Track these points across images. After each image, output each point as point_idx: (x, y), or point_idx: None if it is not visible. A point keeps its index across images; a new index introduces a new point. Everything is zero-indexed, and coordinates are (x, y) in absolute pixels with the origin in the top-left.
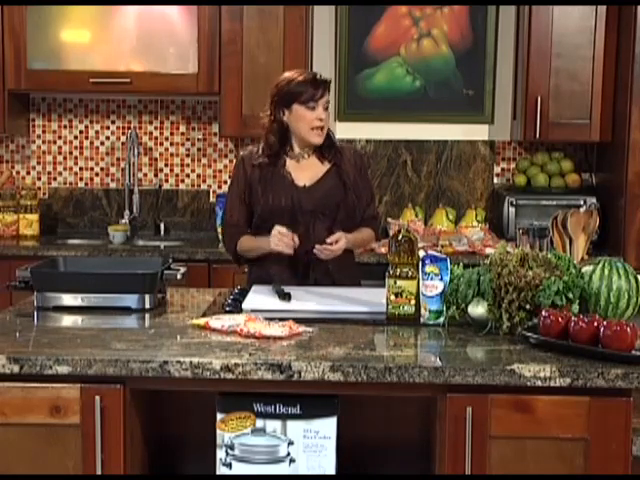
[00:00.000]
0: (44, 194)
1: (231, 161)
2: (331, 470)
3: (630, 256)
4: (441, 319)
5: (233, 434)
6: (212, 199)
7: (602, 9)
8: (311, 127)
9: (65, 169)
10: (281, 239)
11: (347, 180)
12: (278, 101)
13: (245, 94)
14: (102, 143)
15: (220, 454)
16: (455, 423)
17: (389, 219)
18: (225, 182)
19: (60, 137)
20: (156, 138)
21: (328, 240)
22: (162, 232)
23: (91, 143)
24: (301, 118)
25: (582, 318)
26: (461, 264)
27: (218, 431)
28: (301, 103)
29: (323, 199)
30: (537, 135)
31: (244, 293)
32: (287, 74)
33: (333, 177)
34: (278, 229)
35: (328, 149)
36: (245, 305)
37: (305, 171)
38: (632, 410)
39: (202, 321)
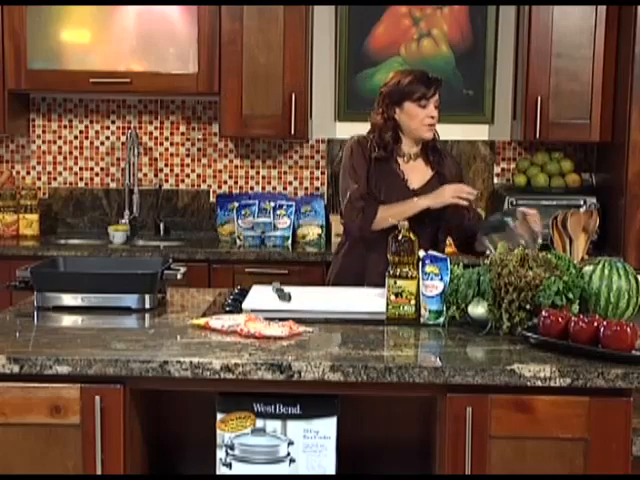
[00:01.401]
0: (44, 194)
1: (231, 161)
2: (331, 470)
3: (630, 256)
4: (441, 319)
5: (233, 434)
6: (212, 199)
7: (602, 9)
8: (423, 124)
9: (65, 169)
10: (462, 190)
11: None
12: (390, 99)
13: (245, 94)
14: (102, 143)
15: (220, 454)
16: (455, 423)
17: (389, 219)
18: (225, 182)
19: (60, 137)
20: (156, 138)
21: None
22: (162, 232)
23: (91, 143)
24: (413, 116)
25: (582, 318)
26: (461, 264)
27: (218, 431)
28: (413, 101)
29: None
30: (537, 135)
31: (244, 293)
32: (396, 73)
33: (436, 183)
34: (459, 185)
35: (433, 152)
36: (245, 305)
37: (414, 173)
38: (632, 410)
39: (202, 321)
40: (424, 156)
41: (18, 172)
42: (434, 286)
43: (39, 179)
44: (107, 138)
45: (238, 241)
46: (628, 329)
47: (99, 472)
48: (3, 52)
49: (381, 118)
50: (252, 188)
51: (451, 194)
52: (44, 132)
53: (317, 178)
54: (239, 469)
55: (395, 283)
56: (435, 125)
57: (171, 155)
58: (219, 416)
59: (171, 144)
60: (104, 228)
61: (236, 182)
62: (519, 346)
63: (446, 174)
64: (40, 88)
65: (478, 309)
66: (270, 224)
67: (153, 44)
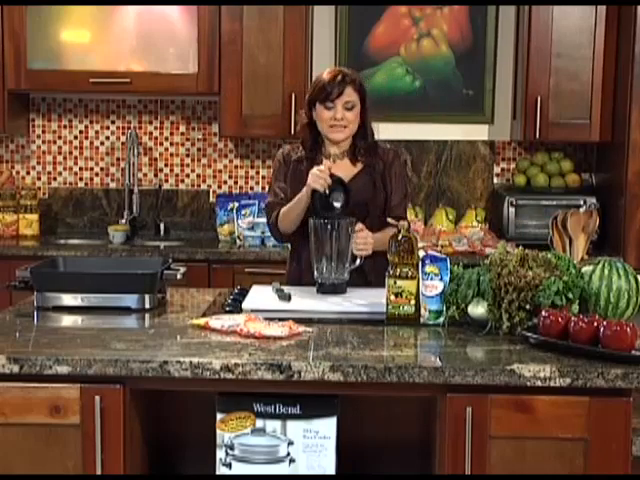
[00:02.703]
0: (44, 194)
1: (231, 161)
2: (331, 470)
3: (630, 256)
4: (441, 319)
5: (233, 434)
6: (212, 199)
7: (602, 9)
8: (329, 125)
9: (65, 169)
10: (319, 176)
11: (377, 180)
12: (308, 100)
13: (245, 94)
14: (102, 143)
15: (220, 454)
16: (455, 423)
17: (389, 219)
18: (225, 182)
19: (60, 137)
20: (156, 138)
21: (356, 228)
22: (162, 232)
23: (91, 143)
24: (320, 117)
25: (582, 318)
26: (461, 264)
27: (218, 431)
28: (320, 102)
29: (354, 198)
30: (537, 135)
31: (244, 293)
32: (321, 73)
33: (363, 177)
34: (316, 167)
35: (361, 150)
36: (245, 305)
37: (338, 171)
38: (632, 410)
39: (202, 321)
40: (351, 155)
41: (18, 172)
42: (434, 286)
43: (39, 179)
44: (107, 138)
45: (238, 241)
46: (628, 329)
47: (99, 472)
48: (3, 52)
49: (304, 118)
50: (252, 188)
51: (312, 180)
52: (44, 132)
53: None
54: (239, 469)
55: (395, 283)
56: (349, 126)
57: (171, 155)
58: (219, 416)
59: (171, 144)
60: (104, 228)
61: (236, 182)
62: (519, 346)
63: (378, 166)
64: (40, 88)
65: (478, 309)
66: None
67: (153, 44)
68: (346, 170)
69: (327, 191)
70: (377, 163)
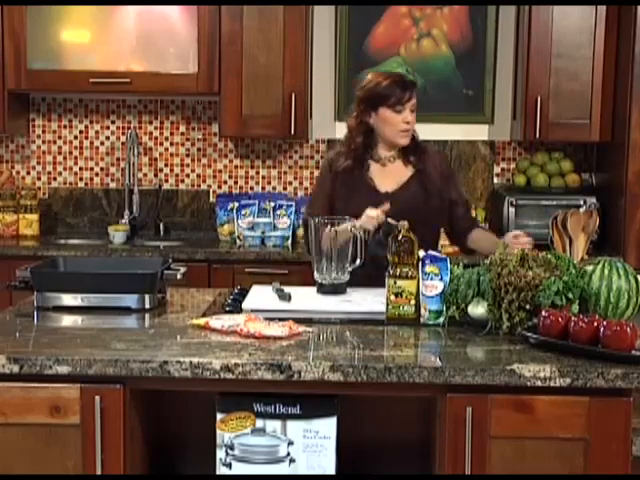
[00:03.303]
0: (44, 194)
1: (231, 161)
2: (331, 470)
3: (630, 256)
4: (441, 319)
5: (233, 434)
6: (212, 199)
7: (602, 9)
8: (398, 130)
9: (65, 169)
10: (372, 217)
11: (430, 186)
12: (365, 103)
13: (245, 94)
14: (102, 143)
15: (220, 454)
16: (455, 423)
17: (388, 219)
18: (225, 182)
19: (60, 137)
20: (156, 138)
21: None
22: (162, 232)
23: (91, 143)
24: (388, 121)
25: (582, 318)
26: (461, 264)
27: (218, 431)
28: (388, 106)
29: (404, 205)
30: (537, 135)
31: (244, 293)
32: (372, 76)
33: (415, 183)
34: (370, 210)
35: (413, 152)
36: (245, 305)
37: (389, 177)
38: (632, 410)
39: (202, 321)
40: (403, 157)
41: (18, 172)
42: (434, 286)
43: (39, 179)
44: (107, 138)
45: (238, 241)
46: (628, 329)
47: (99, 472)
48: (3, 52)
49: (354, 122)
50: (252, 188)
51: (364, 221)
52: (44, 132)
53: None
54: (239, 469)
55: (395, 283)
56: (410, 130)
57: (171, 155)
58: (219, 416)
59: (171, 144)
60: (104, 228)
61: (236, 182)
62: (519, 346)
63: (429, 171)
64: (40, 88)
65: (478, 309)
66: (270, 224)
67: (153, 44)
68: (396, 175)
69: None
70: (427, 166)
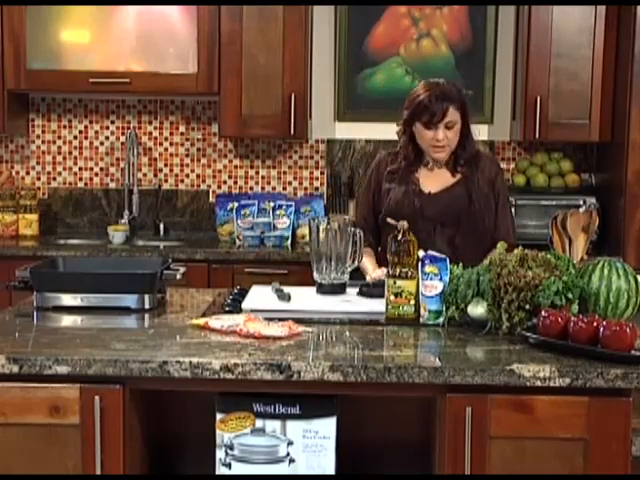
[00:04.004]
0: (43, 194)
1: (230, 161)
2: (331, 470)
3: (630, 256)
4: (440, 319)
5: (233, 434)
6: (212, 199)
7: (602, 9)
8: (429, 145)
9: (64, 169)
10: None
11: (474, 191)
12: (406, 115)
13: (245, 94)
14: (102, 143)
15: (220, 454)
16: (455, 423)
17: (388, 219)
18: (225, 182)
19: (59, 137)
20: (155, 138)
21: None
22: (161, 232)
23: (90, 143)
24: (421, 136)
25: (581, 318)
26: (460, 264)
27: (218, 431)
28: (421, 123)
29: (445, 207)
30: (536, 135)
31: (243, 293)
32: (418, 86)
33: (461, 187)
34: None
35: (461, 161)
36: (245, 305)
37: (434, 180)
38: (631, 410)
39: (201, 321)
40: (451, 165)
41: (17, 172)
42: (433, 286)
43: (38, 179)
44: (106, 138)
45: (237, 241)
46: (628, 329)
47: (99, 472)
48: (3, 52)
49: (402, 131)
50: (251, 188)
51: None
52: (43, 132)
53: (317, 178)
54: (239, 469)
55: (395, 283)
56: (448, 146)
57: (170, 155)
58: (219, 416)
59: (170, 144)
60: (103, 228)
61: (235, 182)
62: (518, 346)
63: (477, 177)
64: (39, 88)
65: (477, 309)
66: (269, 224)
67: (153, 44)
68: (443, 180)
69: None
70: (477, 175)
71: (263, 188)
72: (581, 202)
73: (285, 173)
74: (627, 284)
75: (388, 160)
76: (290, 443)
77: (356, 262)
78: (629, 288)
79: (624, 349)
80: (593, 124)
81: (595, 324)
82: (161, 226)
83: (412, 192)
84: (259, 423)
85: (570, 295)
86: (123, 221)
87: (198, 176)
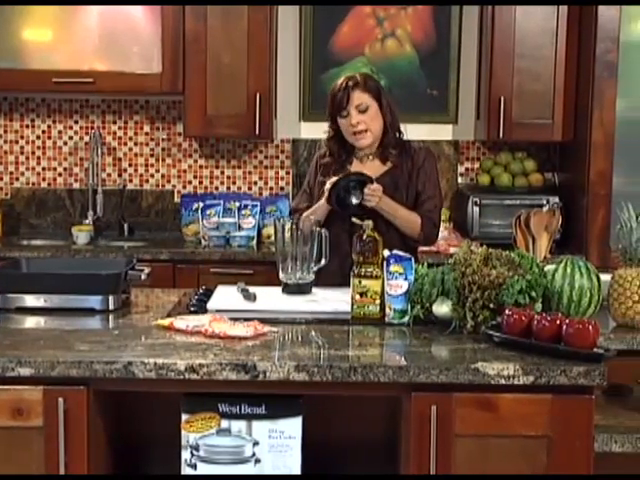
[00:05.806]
0: (6, 194)
1: (195, 161)
2: (296, 470)
3: (592, 255)
4: (406, 318)
5: (198, 435)
6: (176, 199)
7: (564, 10)
8: (350, 133)
9: (27, 169)
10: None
11: (400, 180)
12: (329, 115)
13: (209, 94)
14: (65, 143)
15: (185, 455)
16: (420, 422)
17: (353, 219)
18: (190, 182)
19: (22, 137)
20: (120, 138)
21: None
22: (126, 232)
23: (54, 143)
24: (342, 128)
25: (545, 316)
26: (425, 263)
27: (183, 432)
28: (338, 116)
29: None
30: (500, 135)
31: (209, 293)
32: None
33: (387, 177)
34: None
35: (390, 150)
36: (210, 305)
37: (365, 170)
38: (594, 407)
39: (167, 322)
40: (381, 155)
41: None
42: (398, 285)
43: (1, 179)
44: (70, 138)
45: (203, 241)
46: (590, 327)
47: (62, 473)
48: None
49: (330, 132)
50: (217, 188)
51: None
52: (6, 132)
53: (282, 178)
54: (204, 470)
55: (360, 282)
56: (367, 130)
57: (135, 155)
58: (184, 417)
59: (135, 144)
60: (67, 229)
61: (201, 182)
62: (483, 345)
63: (404, 165)
64: (2, 88)
65: (442, 308)
66: (235, 224)
67: (117, 43)
68: (374, 170)
69: (343, 190)
70: (406, 163)
71: (228, 188)
72: (544, 201)
73: (250, 173)
74: (589, 282)
75: (322, 156)
76: (256, 443)
77: (322, 262)
78: (592, 286)
79: (587, 347)
80: (556, 124)
81: (558, 322)
82: (125, 226)
83: None
84: (224, 423)
85: (534, 294)
86: (87, 221)
87: (163, 176)
